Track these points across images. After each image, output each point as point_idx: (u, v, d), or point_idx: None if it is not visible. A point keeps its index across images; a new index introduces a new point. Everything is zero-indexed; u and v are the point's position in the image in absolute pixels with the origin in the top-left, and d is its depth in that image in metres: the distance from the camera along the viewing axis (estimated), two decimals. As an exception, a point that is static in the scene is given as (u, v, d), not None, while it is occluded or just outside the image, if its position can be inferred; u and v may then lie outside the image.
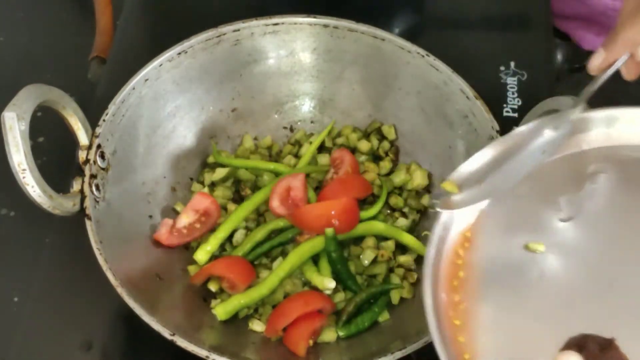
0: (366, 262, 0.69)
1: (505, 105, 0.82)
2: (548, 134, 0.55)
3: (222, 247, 0.70)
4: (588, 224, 0.53)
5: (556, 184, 0.56)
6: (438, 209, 0.53)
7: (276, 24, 0.76)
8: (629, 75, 0.57)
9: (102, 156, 0.66)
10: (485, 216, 0.54)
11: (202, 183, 0.76)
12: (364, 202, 0.75)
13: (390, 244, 0.71)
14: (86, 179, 0.63)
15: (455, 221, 0.54)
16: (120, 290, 0.58)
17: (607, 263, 0.51)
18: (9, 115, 0.57)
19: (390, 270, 0.70)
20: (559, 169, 0.57)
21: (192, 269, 0.69)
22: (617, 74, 0.57)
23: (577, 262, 0.51)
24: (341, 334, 0.65)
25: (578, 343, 0.44)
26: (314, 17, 0.75)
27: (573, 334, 0.44)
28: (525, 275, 0.51)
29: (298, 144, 0.80)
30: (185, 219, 0.71)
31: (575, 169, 0.57)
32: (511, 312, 0.49)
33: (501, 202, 0.54)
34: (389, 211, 0.75)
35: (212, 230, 0.71)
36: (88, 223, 0.61)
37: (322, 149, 0.79)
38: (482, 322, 0.49)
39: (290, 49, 0.78)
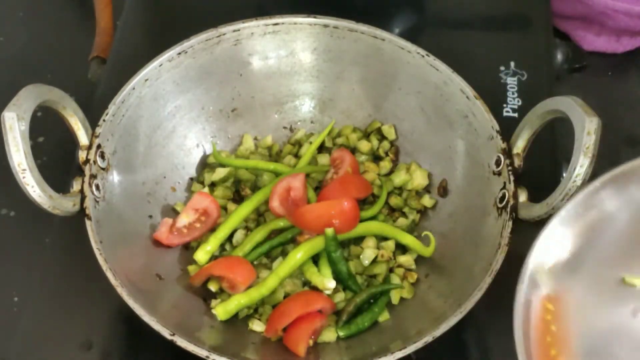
0: (366, 262, 0.69)
1: (505, 105, 0.82)
2: None
3: (222, 247, 0.70)
4: None
5: None
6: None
7: (276, 24, 0.76)
8: None
9: (102, 156, 0.66)
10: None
11: (202, 183, 0.76)
12: (364, 202, 0.75)
13: (390, 244, 0.71)
14: (86, 179, 0.63)
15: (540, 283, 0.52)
16: (120, 290, 0.58)
17: None
18: (9, 115, 0.57)
19: (390, 270, 0.70)
20: None
21: (192, 269, 0.69)
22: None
23: None
24: (341, 334, 0.65)
25: None
26: (314, 17, 0.75)
27: None
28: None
29: (298, 144, 0.80)
30: (185, 219, 0.71)
31: None
32: None
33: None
34: (389, 211, 0.75)
35: (212, 230, 0.71)
36: (88, 223, 0.61)
37: (322, 149, 0.79)
38: None
39: (290, 49, 0.78)
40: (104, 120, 0.66)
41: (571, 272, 0.53)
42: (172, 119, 0.75)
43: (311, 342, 0.63)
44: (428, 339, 0.57)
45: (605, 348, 0.50)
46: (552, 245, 0.53)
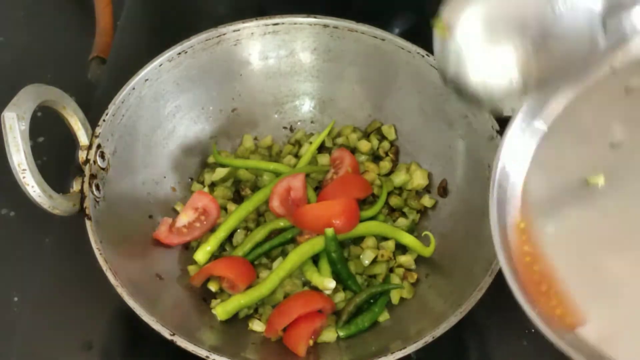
0: (366, 262, 0.69)
1: (505, 105, 0.82)
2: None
3: (222, 247, 0.70)
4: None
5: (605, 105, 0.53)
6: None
7: (276, 24, 0.76)
8: None
9: (102, 156, 0.66)
10: (541, 149, 0.53)
11: (202, 183, 0.76)
12: (364, 202, 0.75)
13: (390, 244, 0.71)
14: (86, 179, 0.63)
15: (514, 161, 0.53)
16: (120, 290, 0.58)
17: None
18: (9, 115, 0.57)
19: (390, 270, 0.70)
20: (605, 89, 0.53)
21: (192, 269, 0.69)
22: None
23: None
24: (341, 334, 0.65)
25: None
26: (314, 17, 0.75)
27: None
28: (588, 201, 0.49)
29: (298, 144, 0.80)
30: (184, 218, 0.71)
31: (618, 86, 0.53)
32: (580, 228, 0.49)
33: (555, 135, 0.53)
34: (389, 211, 0.75)
35: (212, 230, 0.71)
36: (88, 223, 0.61)
37: (322, 149, 0.79)
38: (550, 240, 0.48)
39: (290, 49, 0.78)
40: (104, 120, 0.66)
41: (537, 178, 0.53)
42: (172, 119, 0.75)
43: (311, 342, 0.63)
44: (428, 339, 0.57)
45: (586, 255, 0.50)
46: (518, 147, 0.53)
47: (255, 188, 0.75)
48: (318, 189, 0.75)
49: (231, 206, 0.73)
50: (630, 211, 0.48)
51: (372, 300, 0.67)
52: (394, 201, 0.74)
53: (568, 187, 0.52)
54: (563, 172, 0.53)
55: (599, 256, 0.48)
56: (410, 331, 0.61)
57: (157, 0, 0.97)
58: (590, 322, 0.47)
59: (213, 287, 0.68)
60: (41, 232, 0.76)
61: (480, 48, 0.51)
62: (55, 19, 1.00)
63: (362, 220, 0.70)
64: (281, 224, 0.70)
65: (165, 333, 0.56)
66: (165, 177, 0.74)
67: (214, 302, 0.67)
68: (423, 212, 0.75)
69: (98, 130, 0.66)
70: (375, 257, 0.70)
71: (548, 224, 0.51)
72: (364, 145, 0.77)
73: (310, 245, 0.67)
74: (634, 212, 0.48)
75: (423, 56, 0.72)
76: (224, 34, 0.74)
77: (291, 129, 0.81)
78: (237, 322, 0.66)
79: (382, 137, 0.78)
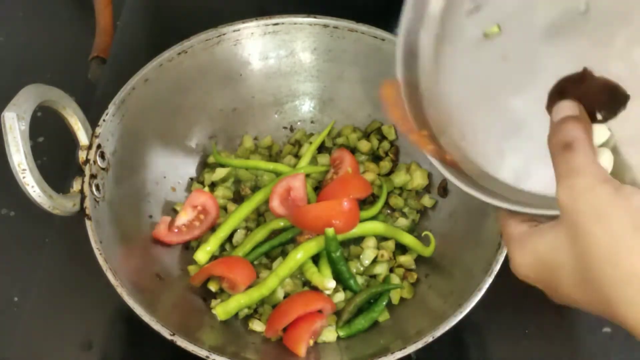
0: (366, 262, 0.69)
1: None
2: None
3: (222, 247, 0.70)
4: None
5: None
6: None
7: (276, 24, 0.76)
8: None
9: (102, 156, 0.66)
10: None
11: (202, 183, 0.76)
12: (364, 202, 0.75)
13: (390, 244, 0.71)
14: (86, 179, 0.63)
15: None
16: (120, 290, 0.58)
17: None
18: (9, 115, 0.57)
19: (390, 270, 0.70)
20: None
21: (192, 269, 0.69)
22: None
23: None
24: (341, 334, 0.65)
25: (557, 91, 0.45)
26: (314, 17, 0.75)
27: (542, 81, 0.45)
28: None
29: (298, 144, 0.80)
30: (184, 217, 0.71)
31: None
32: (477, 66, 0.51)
33: None
34: (389, 211, 0.75)
35: (212, 229, 0.72)
36: (88, 223, 0.61)
37: (322, 149, 0.79)
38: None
39: (290, 49, 0.78)
40: (104, 120, 0.66)
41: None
42: (172, 119, 0.75)
43: (311, 342, 0.63)
44: (428, 339, 0.57)
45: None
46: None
47: (255, 188, 0.75)
48: (318, 189, 0.75)
49: (231, 206, 0.73)
50: (523, 54, 0.50)
51: (372, 300, 0.67)
52: (394, 201, 0.74)
53: (467, 42, 0.53)
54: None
55: (502, 99, 0.51)
56: (410, 331, 0.61)
57: (157, 0, 0.97)
58: (504, 164, 0.51)
59: (213, 287, 0.68)
60: (41, 232, 0.76)
61: None
62: (55, 19, 1.01)
63: (362, 220, 0.70)
64: (281, 224, 0.70)
65: (165, 333, 0.56)
66: (165, 177, 0.74)
67: (214, 302, 0.67)
68: (423, 212, 0.75)
69: (98, 130, 0.66)
70: (375, 257, 0.70)
71: (448, 74, 0.54)
72: (364, 145, 0.77)
73: (310, 245, 0.67)
74: (526, 54, 0.49)
75: (423, 56, 0.72)
76: (224, 34, 0.74)
77: (291, 129, 0.81)
78: (237, 322, 0.66)
79: (382, 137, 0.78)
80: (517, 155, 0.50)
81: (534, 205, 0.46)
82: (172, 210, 0.74)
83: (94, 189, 0.63)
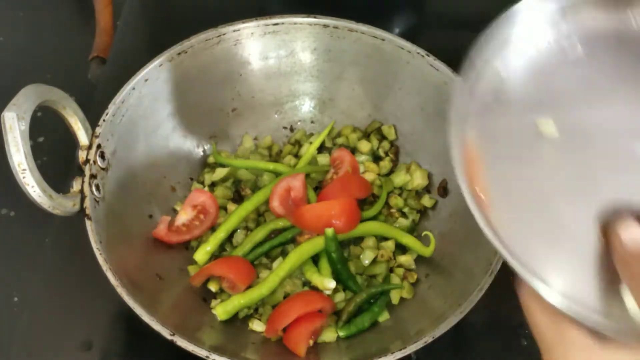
0: (366, 262, 0.69)
1: (505, 105, 0.82)
2: None
3: (222, 247, 0.70)
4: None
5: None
6: None
7: (276, 24, 0.76)
8: None
9: (102, 156, 0.66)
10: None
11: (202, 183, 0.76)
12: (364, 202, 0.75)
13: (390, 244, 0.71)
14: (86, 179, 0.63)
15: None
16: (120, 290, 0.58)
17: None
18: (9, 115, 0.57)
19: (390, 270, 0.70)
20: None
21: (192, 269, 0.69)
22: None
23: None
24: (341, 334, 0.65)
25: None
26: (314, 17, 0.75)
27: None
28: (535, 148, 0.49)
29: (298, 144, 0.80)
30: (183, 216, 0.71)
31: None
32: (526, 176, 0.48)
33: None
34: (389, 211, 0.75)
35: (212, 230, 0.72)
36: (88, 223, 0.61)
37: (322, 149, 0.79)
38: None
39: (290, 49, 0.78)
40: (104, 120, 0.66)
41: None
42: (172, 119, 0.75)
43: (311, 342, 0.63)
44: (428, 339, 0.57)
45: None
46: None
47: (255, 188, 0.75)
48: (318, 189, 0.75)
49: (231, 206, 0.73)
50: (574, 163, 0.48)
51: (372, 300, 0.67)
52: (394, 201, 0.74)
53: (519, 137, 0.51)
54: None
55: (552, 202, 0.48)
56: (410, 331, 0.61)
57: (157, 0, 0.97)
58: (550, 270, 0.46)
59: (213, 287, 0.68)
60: (41, 232, 0.76)
61: None
62: (55, 19, 1.01)
63: (362, 220, 0.70)
64: (281, 224, 0.70)
65: (165, 333, 0.56)
66: (165, 177, 0.74)
67: (214, 302, 0.67)
68: (423, 212, 0.75)
69: (98, 130, 0.66)
70: (375, 257, 0.70)
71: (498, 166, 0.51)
72: (364, 145, 0.77)
73: (310, 245, 0.67)
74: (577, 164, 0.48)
75: (423, 56, 0.72)
76: (224, 34, 0.74)
77: (291, 129, 0.81)
78: (237, 322, 0.66)
79: (382, 137, 0.78)
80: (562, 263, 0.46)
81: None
82: (172, 210, 0.74)
83: (94, 189, 0.63)
